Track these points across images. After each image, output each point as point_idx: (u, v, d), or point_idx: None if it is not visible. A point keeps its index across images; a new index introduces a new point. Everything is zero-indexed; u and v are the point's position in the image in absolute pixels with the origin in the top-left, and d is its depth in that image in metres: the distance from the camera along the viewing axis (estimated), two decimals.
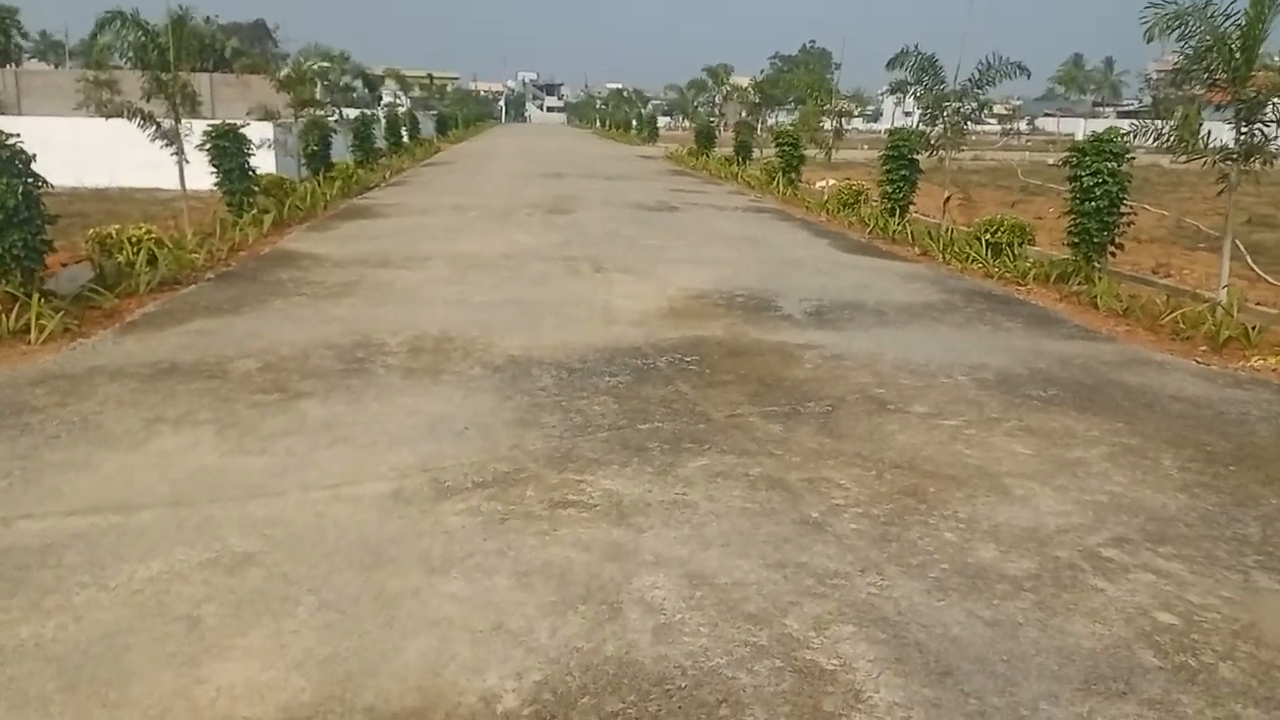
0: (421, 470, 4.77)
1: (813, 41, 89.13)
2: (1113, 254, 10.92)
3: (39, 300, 7.78)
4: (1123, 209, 10.70)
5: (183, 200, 12.84)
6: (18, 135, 8.33)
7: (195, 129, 13.28)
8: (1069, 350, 7.67)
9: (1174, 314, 8.68)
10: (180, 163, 12.68)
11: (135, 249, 10.19)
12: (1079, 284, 10.42)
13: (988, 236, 12.39)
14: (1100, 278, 10.34)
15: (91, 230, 10.63)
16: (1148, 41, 8.64)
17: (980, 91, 14.25)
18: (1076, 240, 10.89)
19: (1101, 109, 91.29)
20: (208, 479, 4.63)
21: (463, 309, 8.63)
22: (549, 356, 7.02)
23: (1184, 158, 9.12)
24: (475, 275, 10.32)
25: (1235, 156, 8.83)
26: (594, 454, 5.04)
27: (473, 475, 4.71)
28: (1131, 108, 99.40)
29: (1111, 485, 4.78)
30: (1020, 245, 12.32)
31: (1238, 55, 8.38)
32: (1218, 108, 9.45)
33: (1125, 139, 10.65)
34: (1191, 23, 8.53)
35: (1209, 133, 9.01)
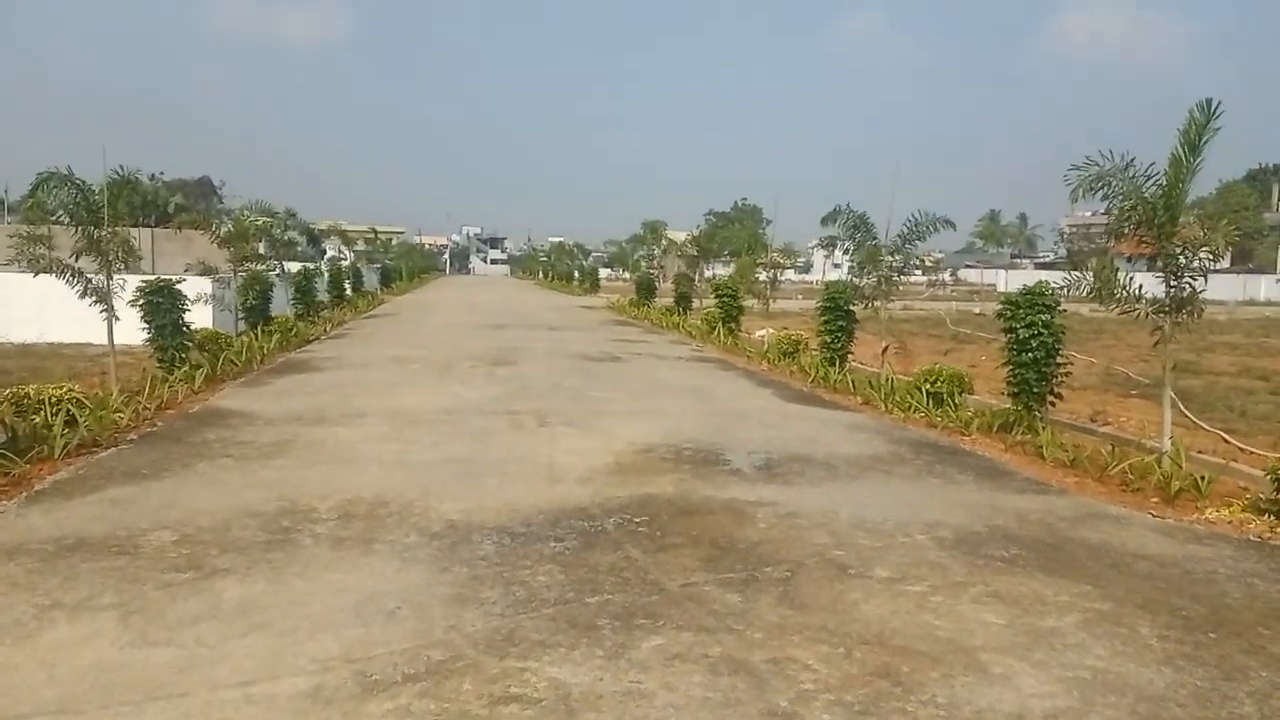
0: (346, 661, 4.31)
1: (744, 199, 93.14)
2: (1052, 403, 11.02)
3: None
4: (1059, 359, 10.89)
5: (112, 356, 12.36)
6: None
7: (129, 284, 12.98)
8: (1024, 505, 7.52)
9: (1122, 464, 8.66)
10: (109, 319, 12.30)
11: (55, 410, 9.66)
12: (1022, 434, 10.44)
13: (928, 386, 12.46)
14: (1043, 427, 10.37)
15: (8, 390, 10.08)
16: (1074, 202, 8.97)
17: (910, 246, 14.69)
18: (1016, 390, 10.99)
19: (1019, 261, 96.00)
20: (102, 679, 4.10)
21: (399, 470, 8.24)
22: (491, 520, 6.63)
23: (1115, 308, 9.33)
24: (414, 432, 9.96)
25: (1167, 309, 9.05)
26: (539, 634, 4.63)
27: (404, 665, 4.26)
28: (1048, 259, 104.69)
29: (1092, 659, 4.50)
30: (960, 394, 12.42)
31: (1161, 213, 8.70)
32: (1129, 259, 9.80)
33: (1056, 292, 10.93)
34: (1114, 183, 8.88)
35: (1140, 285, 9.26)
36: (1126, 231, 9.41)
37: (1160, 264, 9.08)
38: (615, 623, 4.80)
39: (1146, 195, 8.81)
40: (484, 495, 7.35)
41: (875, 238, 14.31)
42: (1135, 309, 9.23)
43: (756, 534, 6.43)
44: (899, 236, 14.19)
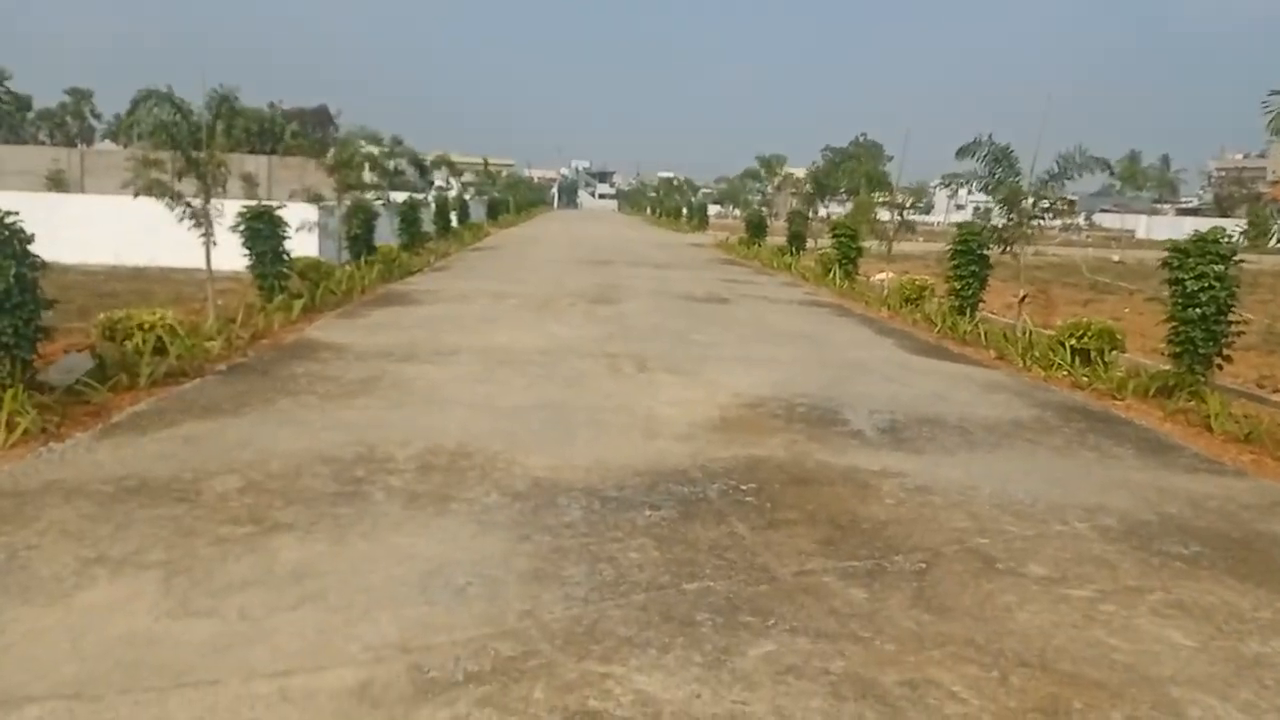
0: (402, 650, 3.69)
1: (864, 134, 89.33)
2: (1219, 367, 9.68)
3: (19, 394, 6.97)
4: (1231, 317, 9.52)
5: (210, 283, 12.16)
6: (16, 213, 7.67)
7: (227, 209, 12.73)
8: (1197, 488, 6.41)
9: None
10: (207, 244, 12.06)
11: (146, 337, 9.42)
12: (1185, 400, 9.18)
13: (1073, 342, 11.19)
14: (1209, 393, 9.09)
15: (102, 315, 9.90)
16: (1274, 134, 7.57)
17: (1057, 185, 13.25)
18: (1179, 350, 9.68)
19: (1161, 206, 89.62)
20: (129, 655, 3.60)
21: (487, 415, 7.64)
22: (580, 480, 5.96)
23: None
24: (505, 373, 9.36)
25: None
26: (626, 629, 3.93)
27: (466, 661, 3.62)
28: (1192, 204, 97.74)
29: None
30: (1110, 352, 11.12)
31: None
32: None
33: (1232, 240, 9.53)
34: None
35: None
36: None
37: None
38: (717, 619, 4.06)
39: None
40: (574, 449, 6.68)
41: (1019, 174, 12.91)
42: None
43: (883, 512, 5.57)
44: (1047, 174, 12.78)
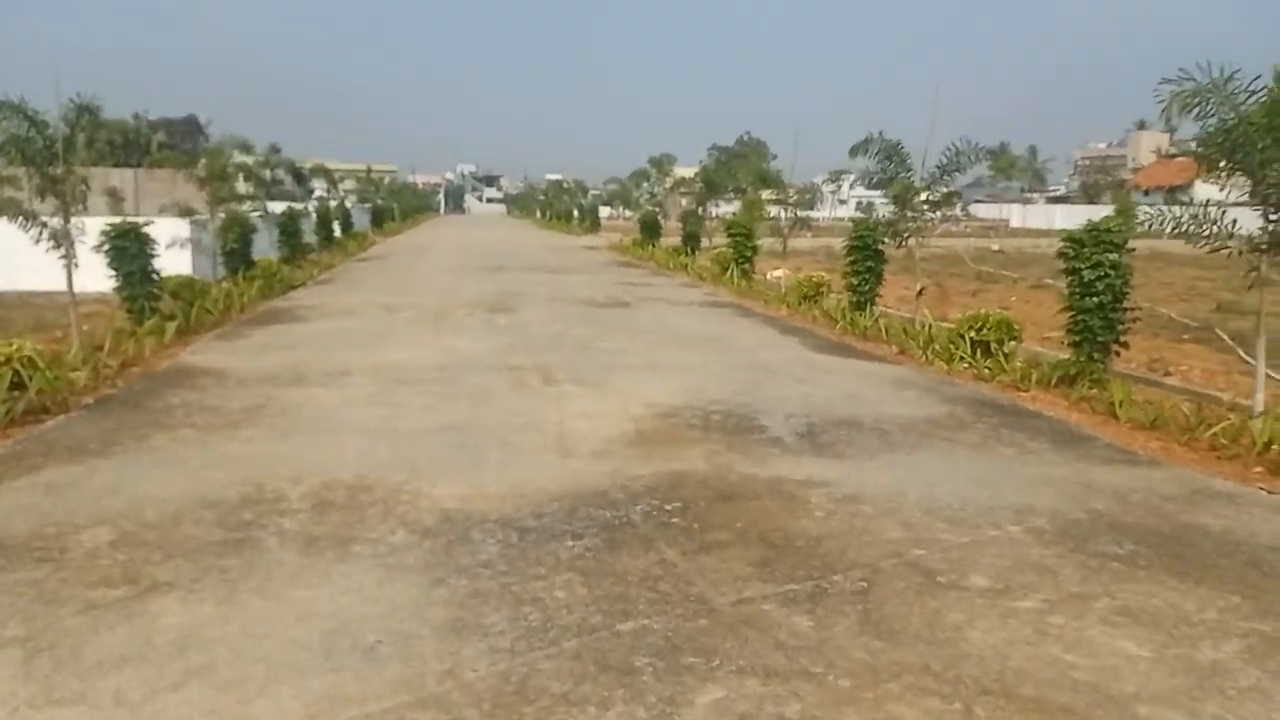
0: None
1: (748, 133, 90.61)
2: (1117, 353, 9.90)
3: None
4: (1126, 304, 9.74)
5: (73, 307, 11.18)
6: None
7: (88, 228, 11.75)
8: (1119, 481, 6.43)
9: (1211, 427, 7.57)
10: (68, 266, 11.10)
11: (1, 370, 8.51)
12: (1087, 388, 9.34)
13: (972, 334, 11.30)
14: (1111, 382, 9.27)
15: None
16: (1167, 122, 7.71)
17: (949, 179, 13.45)
18: (1079, 340, 9.84)
19: (1031, 195, 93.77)
20: None
21: (386, 441, 7.13)
22: (494, 510, 5.54)
23: (1204, 246, 8.20)
24: (404, 393, 8.84)
25: (1264, 248, 7.89)
26: (560, 684, 3.56)
27: None
28: (1059, 193, 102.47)
29: None
30: (1008, 343, 11.28)
31: (1264, 136, 7.48)
32: (1145, 192, 8.66)
33: (1123, 228, 9.74)
34: (1211, 101, 7.64)
35: (1234, 221, 8.09)
36: (1218, 158, 8.18)
37: (1258, 196, 7.91)
38: (658, 663, 3.73)
39: (1247, 117, 7.59)
40: (484, 474, 6.26)
41: (910, 169, 13.03)
42: (1227, 247, 8.10)
43: (814, 526, 5.34)
44: (937, 167, 12.93)
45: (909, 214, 13.53)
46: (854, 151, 13.40)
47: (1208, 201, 8.23)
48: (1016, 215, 71.89)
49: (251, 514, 5.41)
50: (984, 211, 75.55)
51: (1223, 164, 8.03)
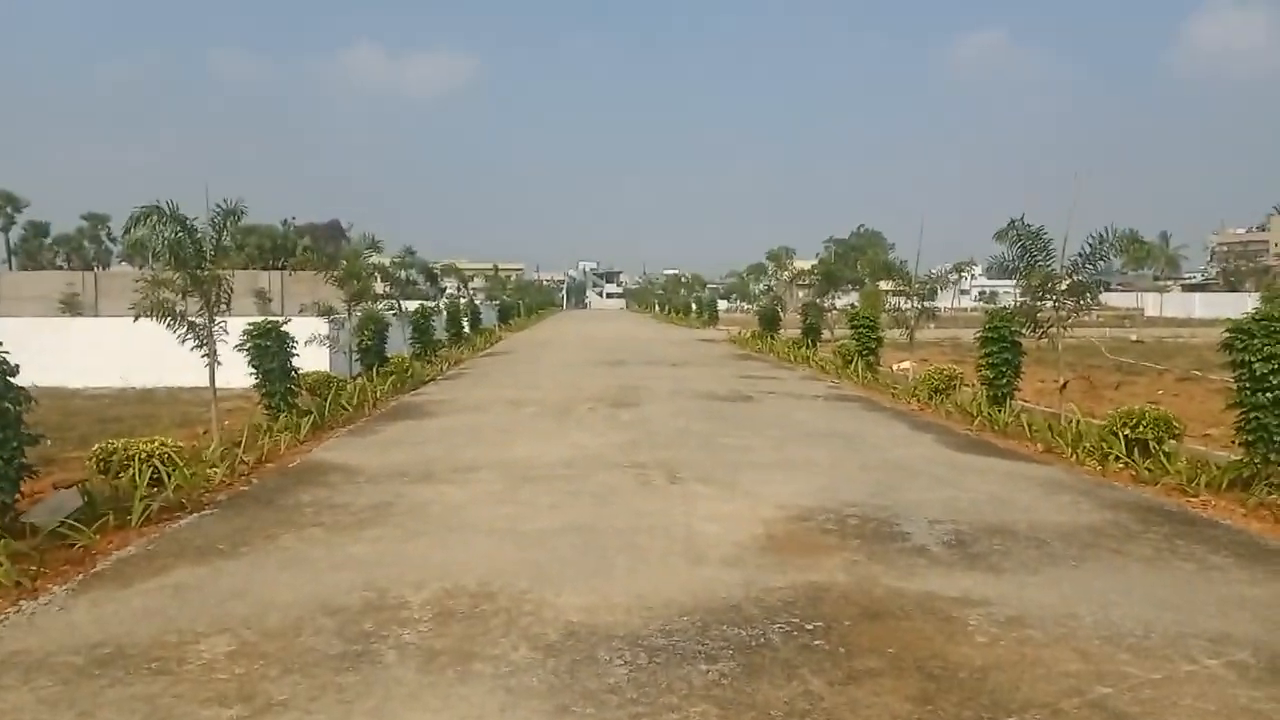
0: None
1: (863, 225, 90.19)
2: None
3: None
4: None
5: (214, 404, 11.59)
6: None
7: (230, 327, 12.26)
8: None
9: None
10: (211, 364, 11.57)
11: (143, 467, 8.77)
12: (1265, 493, 8.40)
13: (1127, 431, 10.45)
14: None
15: (96, 446, 9.29)
16: None
17: (1092, 267, 12.72)
18: (1252, 439, 8.92)
19: (1165, 283, 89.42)
20: None
21: (510, 543, 6.92)
22: (620, 625, 5.20)
23: None
24: (529, 491, 8.66)
25: None
26: None
27: None
28: (1195, 279, 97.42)
29: None
30: (1168, 441, 10.36)
31: None
32: None
33: None
34: None
35: None
36: None
37: None
38: None
39: None
40: (610, 582, 5.94)
41: (1052, 256, 12.39)
42: None
43: (977, 654, 4.78)
44: (1079, 256, 12.26)
45: (1051, 302, 12.85)
46: (999, 237, 12.86)
47: None
48: (1151, 303, 68.50)
49: (372, 623, 5.23)
50: (1115, 300, 72.34)
51: None
